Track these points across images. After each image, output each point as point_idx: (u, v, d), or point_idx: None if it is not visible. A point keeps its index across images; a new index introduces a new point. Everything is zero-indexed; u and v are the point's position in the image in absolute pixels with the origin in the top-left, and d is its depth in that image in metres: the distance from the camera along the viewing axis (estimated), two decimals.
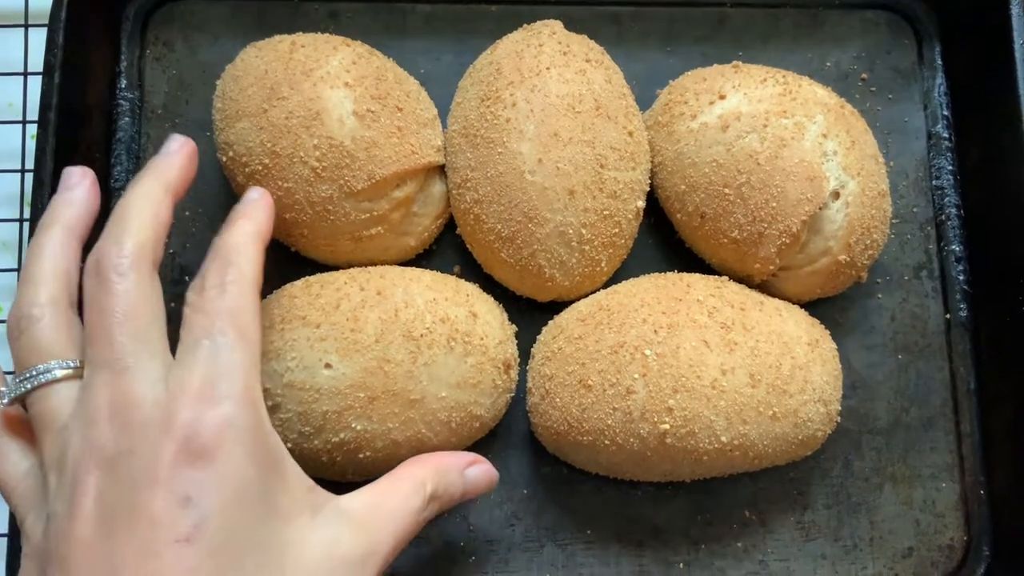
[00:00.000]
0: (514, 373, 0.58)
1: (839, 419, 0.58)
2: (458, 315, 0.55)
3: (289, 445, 0.52)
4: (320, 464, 0.54)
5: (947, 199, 0.66)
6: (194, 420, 0.41)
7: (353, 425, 0.52)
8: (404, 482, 0.49)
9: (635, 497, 0.61)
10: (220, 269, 0.47)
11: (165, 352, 0.45)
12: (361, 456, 0.54)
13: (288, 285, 0.58)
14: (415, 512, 0.48)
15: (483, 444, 0.60)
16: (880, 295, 0.65)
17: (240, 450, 0.41)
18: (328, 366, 0.52)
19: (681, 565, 0.60)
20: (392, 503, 0.47)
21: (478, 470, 0.53)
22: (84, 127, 0.62)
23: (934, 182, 0.67)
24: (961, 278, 0.65)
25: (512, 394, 0.58)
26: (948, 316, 0.65)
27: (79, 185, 0.51)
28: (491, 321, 0.57)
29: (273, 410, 0.52)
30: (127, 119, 0.65)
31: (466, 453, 0.53)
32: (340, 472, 0.55)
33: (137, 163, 0.64)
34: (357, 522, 0.46)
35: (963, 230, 0.66)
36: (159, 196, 0.49)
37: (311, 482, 0.47)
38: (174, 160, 0.51)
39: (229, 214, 0.51)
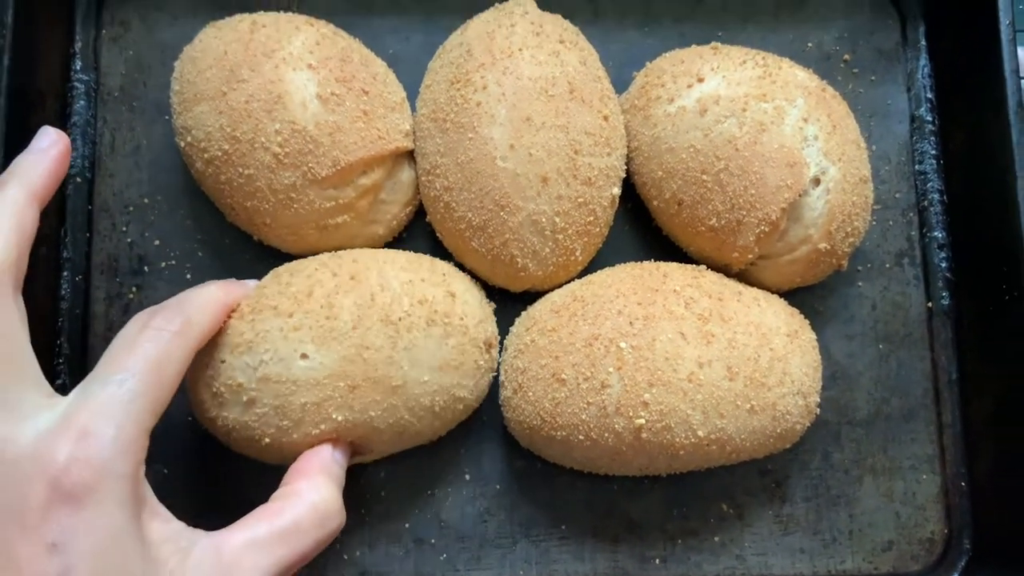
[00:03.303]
0: (495, 352, 0.57)
1: (818, 411, 0.57)
2: (436, 295, 0.54)
3: (267, 440, 0.51)
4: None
5: (930, 184, 0.65)
6: (69, 460, 0.39)
7: (334, 416, 0.51)
8: (290, 503, 0.47)
9: (610, 491, 0.59)
10: (171, 315, 0.46)
11: (38, 381, 0.44)
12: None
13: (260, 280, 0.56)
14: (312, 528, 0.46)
15: (455, 437, 0.58)
16: (861, 283, 0.63)
17: (112, 497, 0.40)
18: (304, 356, 0.50)
19: (657, 560, 0.59)
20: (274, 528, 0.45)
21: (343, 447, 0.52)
22: (37, 111, 0.59)
23: (917, 167, 0.65)
24: (943, 265, 0.64)
25: (494, 373, 0.57)
26: (930, 304, 0.63)
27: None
28: (469, 300, 0.56)
29: (248, 405, 0.51)
30: (83, 102, 0.62)
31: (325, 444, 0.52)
32: None
33: (93, 148, 0.62)
34: (227, 562, 0.43)
35: (946, 216, 0.65)
36: (23, 205, 0.46)
37: (179, 524, 0.44)
38: (42, 161, 0.49)
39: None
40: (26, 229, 0.46)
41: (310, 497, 0.47)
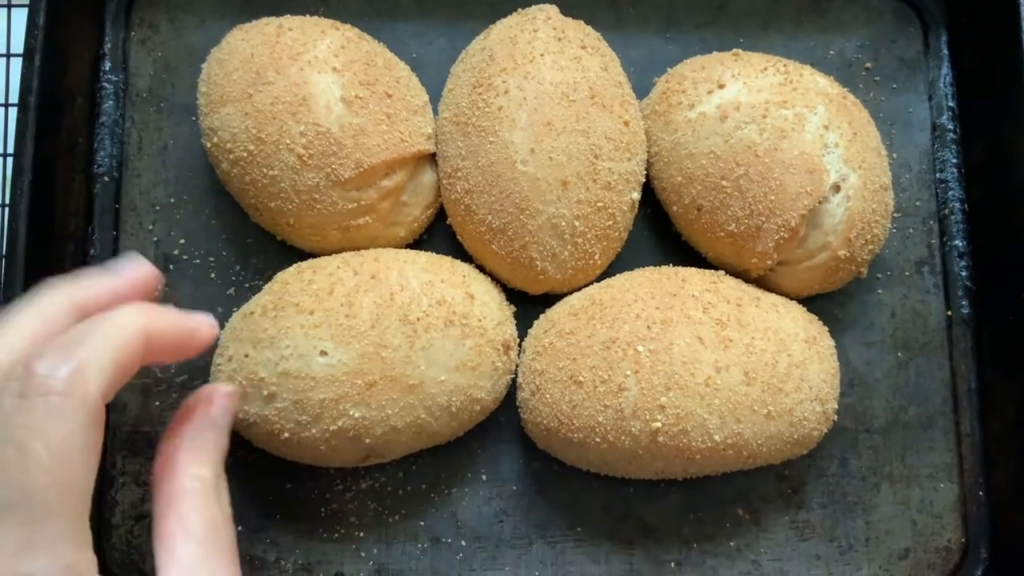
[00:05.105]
0: (514, 354, 0.57)
1: (836, 418, 0.57)
2: (455, 297, 0.54)
3: (286, 434, 0.52)
4: (319, 453, 0.53)
5: (951, 193, 0.65)
6: None
7: (351, 412, 0.51)
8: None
9: (627, 494, 0.60)
10: (57, 359, 0.37)
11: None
12: (360, 443, 0.53)
13: (280, 272, 0.56)
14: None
15: (473, 437, 0.59)
16: (880, 291, 0.63)
17: None
18: (323, 353, 0.51)
19: (672, 564, 0.59)
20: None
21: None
22: (66, 111, 0.60)
23: (938, 175, 0.65)
24: (963, 274, 0.64)
25: (512, 375, 0.57)
26: (949, 313, 0.63)
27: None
28: (488, 302, 0.56)
29: (269, 399, 0.52)
30: (111, 102, 0.63)
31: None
32: (341, 459, 0.55)
33: (121, 148, 0.63)
34: None
35: (966, 225, 0.64)
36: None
37: None
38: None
39: None
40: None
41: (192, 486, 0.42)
